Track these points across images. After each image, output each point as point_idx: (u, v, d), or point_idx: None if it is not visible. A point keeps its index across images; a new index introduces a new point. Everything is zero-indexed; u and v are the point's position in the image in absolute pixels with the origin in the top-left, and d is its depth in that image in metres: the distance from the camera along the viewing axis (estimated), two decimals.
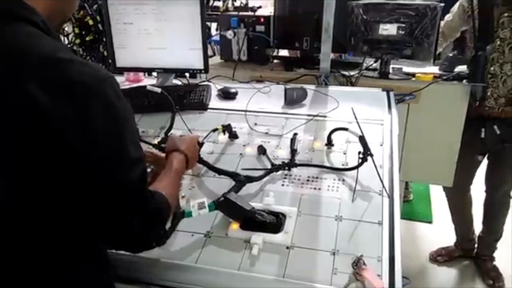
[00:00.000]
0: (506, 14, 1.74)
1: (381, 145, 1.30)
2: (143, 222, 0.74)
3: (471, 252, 2.40)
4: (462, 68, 1.89)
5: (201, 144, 1.21)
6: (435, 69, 1.94)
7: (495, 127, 1.83)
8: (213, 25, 2.79)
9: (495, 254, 2.31)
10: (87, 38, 2.87)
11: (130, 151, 0.72)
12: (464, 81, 1.84)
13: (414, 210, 2.96)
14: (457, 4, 2.00)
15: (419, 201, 3.06)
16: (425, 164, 1.95)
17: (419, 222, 2.83)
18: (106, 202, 0.71)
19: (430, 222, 2.85)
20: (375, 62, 1.95)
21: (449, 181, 1.99)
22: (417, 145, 1.89)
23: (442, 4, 1.69)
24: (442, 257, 2.42)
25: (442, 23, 1.98)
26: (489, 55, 1.75)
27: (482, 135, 1.87)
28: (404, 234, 2.58)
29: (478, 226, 2.33)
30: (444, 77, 1.85)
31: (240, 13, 2.19)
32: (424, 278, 2.32)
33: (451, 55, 1.94)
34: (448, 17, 2.04)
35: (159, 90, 1.49)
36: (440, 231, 2.68)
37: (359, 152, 1.16)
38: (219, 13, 2.39)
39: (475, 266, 2.37)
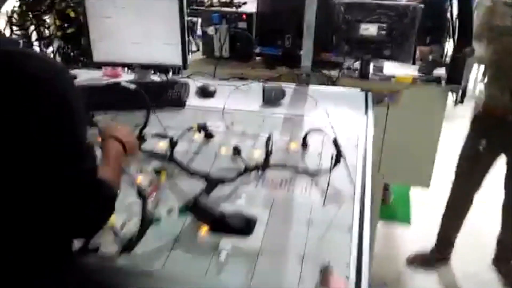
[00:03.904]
0: None
1: (356, 146, 1.29)
2: (96, 208, 0.78)
3: (449, 256, 2.41)
4: (441, 71, 1.90)
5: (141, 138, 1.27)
6: (415, 71, 1.94)
7: None
8: (199, 20, 2.76)
9: None
10: (69, 31, 2.82)
11: (81, 142, 0.75)
12: (443, 83, 1.85)
13: (393, 211, 2.96)
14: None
15: (399, 203, 3.06)
16: (404, 166, 1.95)
17: (397, 224, 2.83)
18: (62, 190, 0.72)
19: (408, 222, 2.86)
20: (355, 62, 1.94)
21: (427, 182, 2.00)
22: (396, 147, 1.89)
23: (422, 5, 1.68)
24: (419, 261, 2.41)
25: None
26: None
27: (497, 137, 1.87)
28: (382, 236, 2.60)
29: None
30: (424, 79, 1.85)
31: (222, 9, 2.16)
32: (401, 283, 2.31)
33: (430, 58, 1.95)
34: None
35: (133, 86, 1.46)
36: (418, 233, 2.68)
37: (333, 155, 1.15)
38: (202, 8, 2.36)
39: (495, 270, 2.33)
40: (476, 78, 4.02)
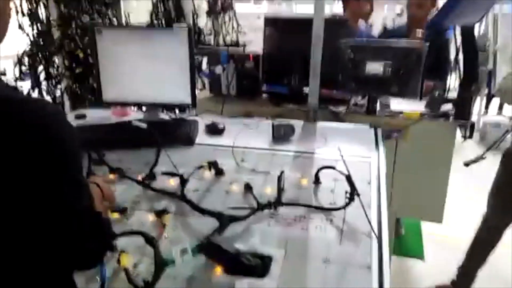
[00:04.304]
0: None
1: (368, 183, 1.28)
2: (97, 239, 0.81)
3: None
4: (447, 106, 1.92)
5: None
6: (422, 107, 1.96)
7: None
8: (204, 58, 2.83)
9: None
10: (77, 70, 2.89)
11: (78, 180, 0.77)
12: (451, 118, 1.86)
13: (405, 245, 2.92)
14: None
15: (410, 236, 3.02)
16: (415, 200, 1.94)
17: (410, 258, 2.78)
18: (63, 227, 0.73)
19: (421, 258, 2.81)
20: (362, 98, 1.97)
21: (439, 218, 1.97)
22: (406, 181, 1.88)
23: (427, 43, 1.73)
24: None
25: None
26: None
27: None
28: (395, 272, 2.54)
29: None
30: (432, 115, 1.87)
31: (230, 50, 2.21)
32: None
33: (436, 94, 1.98)
34: None
35: (144, 125, 1.47)
36: (432, 268, 2.62)
37: (346, 192, 1.14)
38: (209, 46, 2.42)
39: None
40: (479, 111, 4.06)
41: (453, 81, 2.09)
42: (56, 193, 0.71)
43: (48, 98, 2.98)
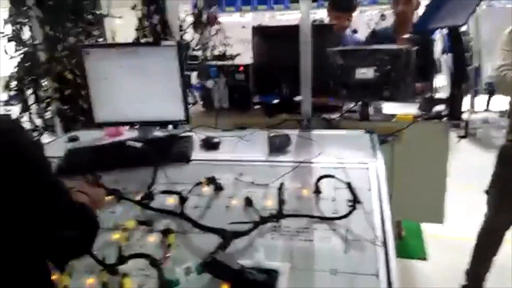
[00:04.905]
0: None
1: (369, 190, 1.27)
2: (82, 230, 0.89)
3: None
4: (439, 107, 1.93)
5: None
6: (415, 109, 1.98)
7: None
8: (193, 74, 2.83)
9: None
10: (66, 92, 2.86)
11: (51, 182, 0.84)
12: (444, 119, 1.88)
13: (407, 247, 2.91)
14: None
15: (411, 238, 3.02)
16: (414, 202, 1.93)
17: (413, 260, 2.77)
18: (47, 223, 0.82)
19: (424, 259, 2.80)
20: (354, 105, 1.98)
21: (440, 219, 1.97)
22: (405, 184, 1.87)
23: (415, 47, 1.75)
24: None
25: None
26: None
27: None
28: (400, 275, 2.51)
29: None
30: (425, 116, 1.88)
31: (219, 62, 2.21)
32: None
33: (429, 95, 1.99)
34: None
35: (139, 144, 1.46)
36: (437, 270, 2.61)
37: (348, 200, 1.13)
38: (198, 62, 2.42)
39: None
40: (468, 109, 4.12)
41: (439, 82, 2.11)
42: (33, 200, 0.79)
43: (38, 121, 2.94)
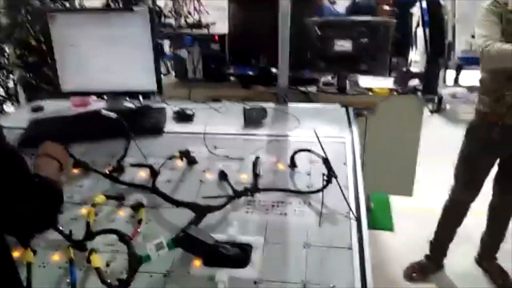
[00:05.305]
0: None
1: (344, 164, 1.27)
2: (43, 203, 0.85)
3: (442, 263, 2.40)
4: (413, 82, 1.94)
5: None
6: (391, 83, 1.97)
7: None
8: (166, 42, 2.72)
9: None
10: (30, 60, 2.71)
11: (6, 150, 0.79)
12: (419, 93, 1.89)
13: (375, 219, 2.97)
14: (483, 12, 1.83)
15: (379, 210, 3.08)
16: (386, 175, 1.96)
17: (381, 232, 2.84)
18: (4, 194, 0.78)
19: (391, 230, 2.87)
20: (332, 78, 1.96)
21: (409, 191, 2.01)
22: (376, 157, 1.89)
23: (395, 21, 1.72)
24: (417, 274, 2.37)
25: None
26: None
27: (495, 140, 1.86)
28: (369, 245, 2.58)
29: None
30: (400, 90, 1.89)
31: (194, 32, 2.13)
32: None
33: (404, 69, 2.00)
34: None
35: (114, 115, 1.39)
36: (403, 240, 2.69)
37: (323, 174, 1.12)
38: (171, 30, 2.32)
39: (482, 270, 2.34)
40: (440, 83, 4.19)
41: (413, 56, 2.11)
42: None
43: (0, 90, 2.79)
